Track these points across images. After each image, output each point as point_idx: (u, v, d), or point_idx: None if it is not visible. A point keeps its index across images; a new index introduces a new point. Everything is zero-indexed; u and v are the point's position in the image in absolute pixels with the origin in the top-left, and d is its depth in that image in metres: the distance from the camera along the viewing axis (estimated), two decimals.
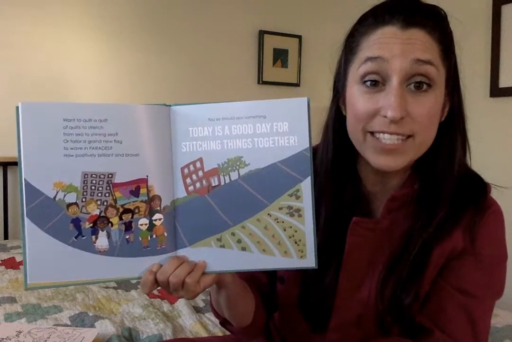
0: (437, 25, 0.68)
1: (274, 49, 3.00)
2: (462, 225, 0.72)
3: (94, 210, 0.63)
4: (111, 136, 0.63)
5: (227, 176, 0.65)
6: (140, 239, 0.64)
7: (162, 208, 0.65)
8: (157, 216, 0.65)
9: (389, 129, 0.65)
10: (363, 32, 0.69)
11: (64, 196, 0.62)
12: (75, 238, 0.62)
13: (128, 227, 0.64)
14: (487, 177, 0.76)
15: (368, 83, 0.67)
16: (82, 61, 2.49)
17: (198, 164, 0.66)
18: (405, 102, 0.65)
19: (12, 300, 1.42)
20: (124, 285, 1.59)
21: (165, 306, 1.41)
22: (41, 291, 1.49)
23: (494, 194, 0.76)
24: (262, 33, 2.95)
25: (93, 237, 0.63)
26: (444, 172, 0.72)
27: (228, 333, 1.19)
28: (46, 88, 2.38)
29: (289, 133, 0.64)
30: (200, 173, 0.66)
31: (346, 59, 0.73)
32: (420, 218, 0.72)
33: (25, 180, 0.61)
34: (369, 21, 0.69)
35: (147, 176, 0.64)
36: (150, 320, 1.29)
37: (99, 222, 0.63)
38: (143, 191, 0.64)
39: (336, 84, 0.77)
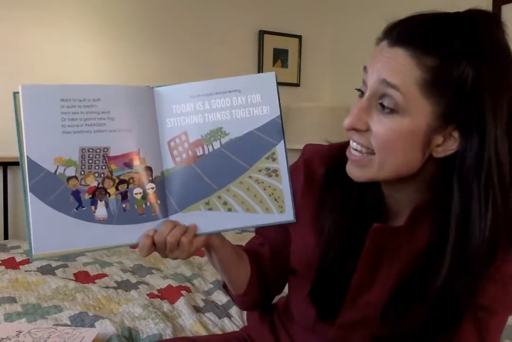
0: (432, 50, 0.61)
1: (274, 49, 3.01)
2: None
3: (93, 182, 0.68)
4: (104, 114, 0.68)
5: (210, 145, 0.71)
6: (136, 207, 0.69)
7: (154, 177, 0.70)
8: (149, 185, 0.70)
9: (351, 136, 0.69)
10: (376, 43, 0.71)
11: (64, 170, 0.66)
12: (76, 209, 0.67)
13: (124, 196, 0.69)
14: None
15: (360, 92, 0.70)
16: (81, 61, 2.49)
17: (183, 137, 0.71)
18: (367, 116, 0.66)
19: (12, 300, 1.42)
20: (124, 285, 1.59)
21: (165, 306, 1.41)
22: (41, 291, 1.49)
23: None
24: (262, 33, 2.95)
25: (93, 207, 0.67)
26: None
27: (228, 331, 1.19)
28: None
29: (262, 103, 0.71)
30: (186, 145, 0.71)
31: None
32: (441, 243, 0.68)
33: (27, 157, 0.65)
34: (381, 35, 0.69)
35: (138, 149, 0.69)
36: (150, 320, 1.29)
37: (98, 193, 0.68)
38: (136, 162, 0.69)
39: None
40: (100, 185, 0.68)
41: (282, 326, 0.90)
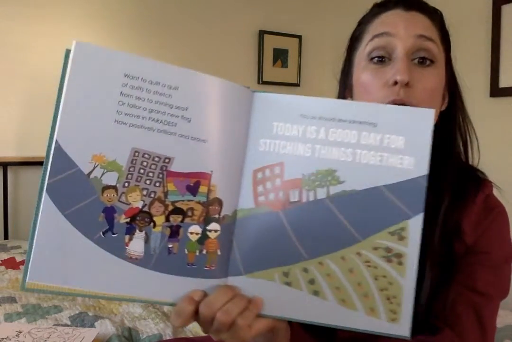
0: (436, 17, 0.73)
1: (274, 49, 3.00)
2: (471, 223, 0.71)
3: (137, 201, 0.49)
4: (179, 110, 0.50)
5: (312, 191, 0.51)
6: (186, 252, 0.50)
7: (221, 216, 0.51)
8: (213, 225, 0.51)
9: (398, 96, 0.66)
10: (368, 20, 0.74)
11: (102, 174, 0.48)
12: (103, 233, 0.48)
13: (174, 232, 0.50)
14: (488, 176, 0.76)
15: (375, 59, 0.70)
16: None
17: (277, 170, 0.52)
18: (411, 72, 0.67)
19: (12, 300, 1.42)
20: None
21: (165, 306, 1.41)
22: None
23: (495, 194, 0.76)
24: (262, 33, 2.95)
25: (127, 237, 0.49)
26: (446, 163, 0.73)
27: None
28: (44, 88, 2.37)
29: (405, 152, 0.50)
30: (278, 181, 0.52)
31: (352, 48, 0.76)
32: (426, 213, 0.72)
33: (56, 142, 0.47)
34: (373, 10, 0.74)
35: (211, 171, 0.51)
36: (150, 320, 1.29)
37: (139, 219, 0.49)
38: (202, 189, 0.50)
39: (342, 80, 0.79)
40: (146, 208, 0.49)
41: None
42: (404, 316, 0.50)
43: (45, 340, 1.12)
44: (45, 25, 2.40)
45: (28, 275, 0.46)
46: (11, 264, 1.78)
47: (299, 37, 3.07)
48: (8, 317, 1.28)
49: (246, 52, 2.94)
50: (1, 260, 1.82)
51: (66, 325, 1.25)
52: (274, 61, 3.01)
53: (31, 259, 0.47)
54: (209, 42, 2.81)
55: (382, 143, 0.51)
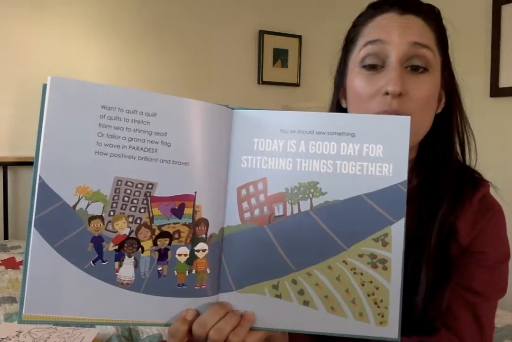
0: (432, 17, 0.71)
1: (274, 49, 3.00)
2: (467, 223, 0.72)
3: (123, 229, 0.50)
4: (158, 136, 0.51)
5: (296, 204, 0.53)
6: (176, 273, 0.52)
7: (208, 236, 0.53)
8: (201, 245, 0.52)
9: (391, 107, 0.65)
10: (363, 22, 0.72)
11: (88, 205, 0.49)
12: (93, 262, 0.50)
13: (162, 255, 0.52)
14: (487, 177, 0.76)
15: (368, 66, 0.69)
16: (82, 61, 2.49)
17: (260, 186, 0.53)
18: (404, 81, 0.66)
19: (12, 300, 1.42)
20: None
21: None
22: None
23: (492, 194, 0.76)
24: (262, 33, 2.95)
25: (116, 263, 0.50)
26: (443, 164, 0.73)
27: None
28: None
29: (383, 159, 0.52)
30: (262, 197, 0.53)
31: (346, 50, 0.75)
32: (423, 216, 0.72)
33: (40, 178, 0.48)
34: (368, 12, 0.73)
35: (195, 193, 0.52)
36: None
37: (127, 245, 0.51)
38: (187, 211, 0.52)
39: (337, 79, 0.78)
40: (133, 235, 0.51)
41: None
42: (392, 318, 0.52)
43: (45, 340, 1.12)
44: (44, 26, 2.40)
45: (24, 308, 0.48)
46: (11, 264, 1.78)
47: (299, 37, 3.07)
48: (8, 317, 1.29)
49: (246, 52, 2.94)
50: (1, 260, 1.82)
51: (66, 325, 1.25)
52: (274, 61, 3.01)
53: (25, 293, 0.48)
54: (209, 42, 2.81)
55: (361, 153, 0.53)
